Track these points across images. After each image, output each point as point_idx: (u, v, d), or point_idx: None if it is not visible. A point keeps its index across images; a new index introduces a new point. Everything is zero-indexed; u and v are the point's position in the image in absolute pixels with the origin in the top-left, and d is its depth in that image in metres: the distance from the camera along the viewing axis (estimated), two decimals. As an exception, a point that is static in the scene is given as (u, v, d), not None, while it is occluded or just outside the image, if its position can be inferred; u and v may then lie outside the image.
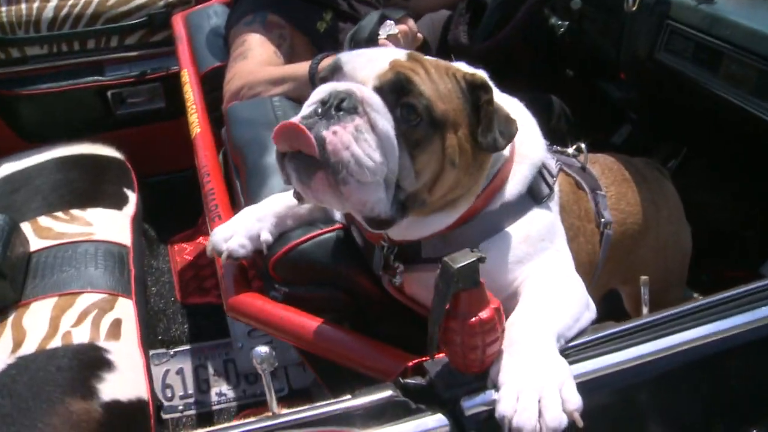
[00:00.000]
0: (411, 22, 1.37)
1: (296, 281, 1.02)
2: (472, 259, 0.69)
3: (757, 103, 1.53)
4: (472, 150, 0.93)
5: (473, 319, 0.71)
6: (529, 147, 1.07)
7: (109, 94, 2.39)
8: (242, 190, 1.20)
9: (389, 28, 1.29)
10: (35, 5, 2.30)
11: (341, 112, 0.86)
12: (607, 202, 1.25)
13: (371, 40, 1.30)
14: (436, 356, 0.78)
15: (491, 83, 0.99)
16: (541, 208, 1.05)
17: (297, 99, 1.43)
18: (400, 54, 0.95)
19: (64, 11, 2.31)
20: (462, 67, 1.02)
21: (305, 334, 0.92)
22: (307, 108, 0.90)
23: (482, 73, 1.00)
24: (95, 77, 2.38)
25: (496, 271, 0.97)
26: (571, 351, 0.83)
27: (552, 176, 1.08)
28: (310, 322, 0.93)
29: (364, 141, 0.85)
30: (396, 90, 0.88)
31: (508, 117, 0.97)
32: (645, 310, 0.90)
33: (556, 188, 1.09)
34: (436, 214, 0.96)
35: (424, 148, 0.87)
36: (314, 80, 1.41)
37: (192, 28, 1.99)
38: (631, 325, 0.84)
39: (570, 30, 2.11)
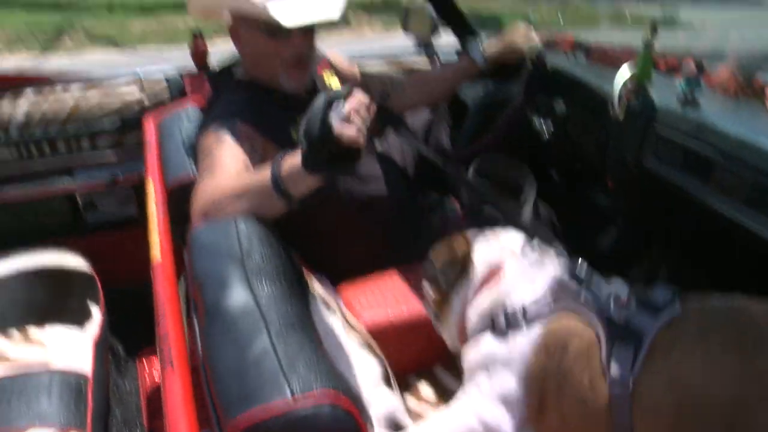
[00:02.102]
0: (359, 93, 1.25)
1: None
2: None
3: (750, 215, 1.47)
4: None
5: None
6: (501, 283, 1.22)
7: (79, 199, 2.30)
8: (200, 332, 1.09)
9: (339, 110, 1.19)
10: (6, 110, 2.24)
11: None
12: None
13: (327, 132, 1.18)
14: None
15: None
16: (494, 337, 1.16)
17: (264, 213, 1.33)
18: None
19: (36, 113, 2.25)
20: None
21: None
22: None
23: None
24: (65, 182, 2.30)
25: None
26: None
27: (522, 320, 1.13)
28: None
29: None
30: None
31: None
32: None
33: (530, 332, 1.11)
34: None
35: None
36: (278, 184, 1.30)
37: (163, 133, 1.92)
38: None
39: (554, 133, 2.07)
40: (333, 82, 1.98)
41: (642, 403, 0.98)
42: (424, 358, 1.68)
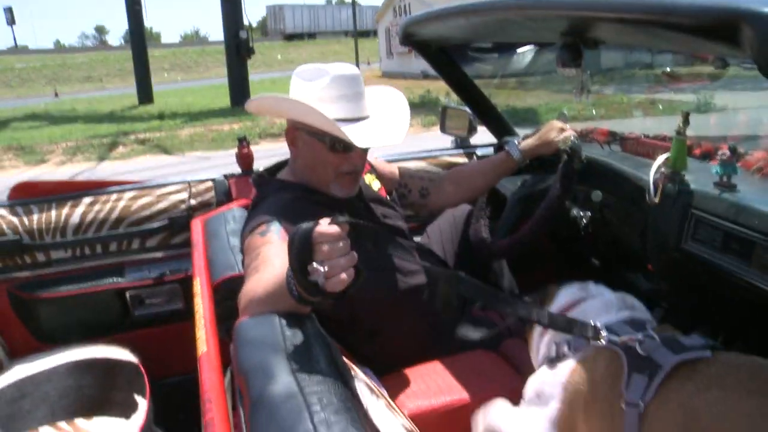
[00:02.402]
0: (322, 229, 1.14)
1: None
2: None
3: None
4: None
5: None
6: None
7: (127, 295, 2.38)
8: (245, 420, 1.10)
9: (318, 265, 1.11)
10: (64, 212, 2.37)
11: None
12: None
13: (318, 292, 1.13)
14: None
15: None
16: (550, 368, 1.37)
17: (293, 311, 1.29)
18: None
19: (90, 216, 2.38)
20: None
21: None
22: None
23: None
24: (115, 279, 2.39)
25: None
26: None
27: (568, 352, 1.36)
28: None
29: None
30: None
31: None
32: None
33: (569, 362, 1.33)
34: None
35: None
36: (291, 288, 1.22)
37: (209, 233, 1.99)
38: None
39: (593, 221, 2.09)
40: (374, 185, 2.05)
41: (650, 424, 1.14)
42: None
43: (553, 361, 1.37)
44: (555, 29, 1.66)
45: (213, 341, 1.42)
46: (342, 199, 1.83)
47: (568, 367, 1.32)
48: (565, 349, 1.36)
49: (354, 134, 1.66)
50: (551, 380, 1.34)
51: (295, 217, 1.68)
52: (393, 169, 2.22)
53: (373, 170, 2.12)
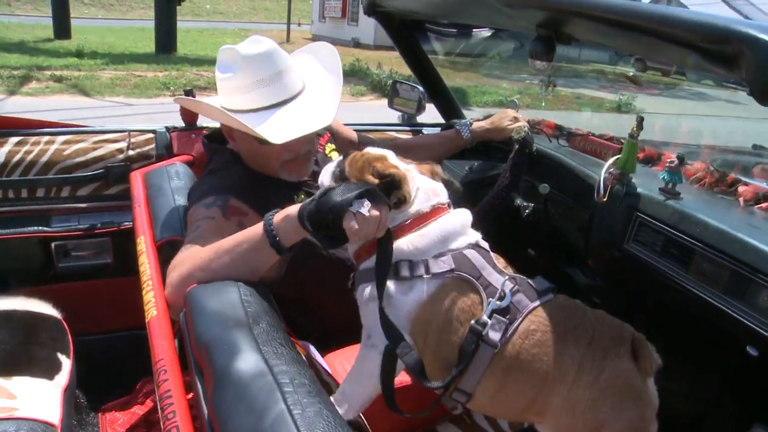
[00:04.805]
0: (385, 212, 1.27)
1: None
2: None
3: (730, 303, 1.52)
4: None
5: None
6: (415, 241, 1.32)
7: (53, 245, 2.25)
8: (206, 397, 1.05)
9: (362, 206, 1.22)
10: (-14, 152, 2.19)
11: None
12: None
13: (339, 206, 1.22)
14: None
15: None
16: (394, 284, 1.29)
17: (253, 266, 1.34)
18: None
19: (17, 157, 2.22)
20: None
21: None
22: None
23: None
24: (40, 227, 2.24)
25: None
26: None
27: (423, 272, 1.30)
28: None
29: None
30: None
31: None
32: None
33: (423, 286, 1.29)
34: None
35: None
36: (271, 234, 1.31)
37: (151, 188, 1.89)
38: None
39: (535, 211, 2.12)
40: (333, 155, 2.00)
41: (501, 356, 1.28)
42: (405, 425, 1.66)
43: (402, 279, 1.30)
44: (532, 20, 1.65)
45: (162, 305, 1.36)
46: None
47: (428, 287, 1.30)
48: (422, 271, 1.30)
49: (271, 127, 1.58)
50: (401, 298, 1.31)
51: (245, 193, 1.63)
52: (352, 135, 2.17)
53: (333, 138, 2.07)
